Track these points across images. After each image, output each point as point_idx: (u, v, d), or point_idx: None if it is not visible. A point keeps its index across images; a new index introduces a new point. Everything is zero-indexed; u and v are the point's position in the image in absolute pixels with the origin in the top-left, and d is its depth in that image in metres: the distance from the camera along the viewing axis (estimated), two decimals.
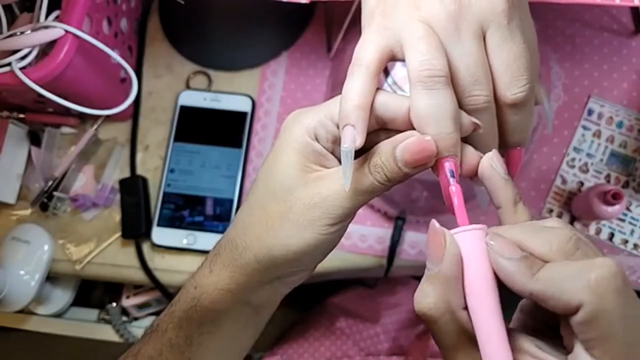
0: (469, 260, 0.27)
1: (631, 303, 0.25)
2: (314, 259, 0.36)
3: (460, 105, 0.31)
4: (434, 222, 0.28)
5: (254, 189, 0.36)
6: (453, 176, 0.30)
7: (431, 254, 0.28)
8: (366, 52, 0.32)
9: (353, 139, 0.30)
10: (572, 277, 0.25)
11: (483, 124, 0.31)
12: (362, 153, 0.33)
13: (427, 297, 0.27)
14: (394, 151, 0.30)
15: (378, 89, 0.32)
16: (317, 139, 0.34)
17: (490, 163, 0.31)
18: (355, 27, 0.59)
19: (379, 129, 0.33)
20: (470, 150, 0.32)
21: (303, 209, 0.33)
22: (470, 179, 0.33)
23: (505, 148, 0.34)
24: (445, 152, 0.30)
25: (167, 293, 0.67)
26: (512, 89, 0.31)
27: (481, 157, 0.32)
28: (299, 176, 0.33)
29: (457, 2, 0.30)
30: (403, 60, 0.32)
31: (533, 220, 0.31)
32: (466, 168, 0.32)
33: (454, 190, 0.30)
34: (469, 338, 0.27)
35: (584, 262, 0.26)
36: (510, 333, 0.27)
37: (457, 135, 0.30)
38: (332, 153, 0.34)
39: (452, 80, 0.31)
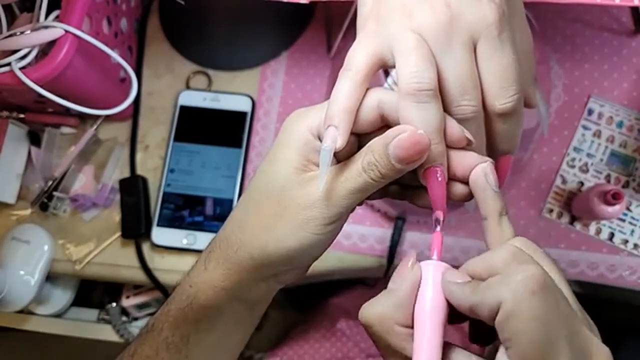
0: (425, 284, 0.30)
1: (551, 307, 0.26)
2: (308, 258, 0.36)
3: (449, 113, 0.32)
4: (412, 253, 0.32)
5: (251, 186, 0.36)
6: (438, 225, 0.33)
7: (396, 275, 0.31)
8: (357, 57, 0.32)
9: (334, 139, 0.31)
10: (497, 282, 0.27)
11: (470, 133, 0.32)
12: None
13: (373, 308, 0.31)
14: (387, 148, 0.31)
15: (376, 87, 0.33)
16: (319, 138, 0.34)
17: (484, 174, 0.32)
18: (355, 27, 0.59)
19: (384, 128, 0.33)
20: (465, 155, 0.32)
21: (298, 208, 0.33)
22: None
23: (494, 155, 0.35)
24: (432, 162, 0.31)
25: (167, 293, 0.66)
26: (500, 99, 0.32)
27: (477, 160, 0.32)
28: (295, 174, 0.33)
29: (449, 13, 0.31)
30: (394, 67, 0.32)
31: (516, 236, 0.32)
32: (461, 171, 0.32)
33: (435, 237, 0.33)
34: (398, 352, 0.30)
35: (510, 269, 0.28)
36: (450, 349, 0.30)
37: (442, 146, 0.31)
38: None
39: (441, 90, 0.31)
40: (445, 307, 0.30)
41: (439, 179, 0.32)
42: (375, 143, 0.31)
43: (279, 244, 0.33)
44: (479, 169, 0.32)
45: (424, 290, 0.30)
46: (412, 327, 0.30)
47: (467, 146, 0.32)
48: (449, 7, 0.31)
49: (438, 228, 0.32)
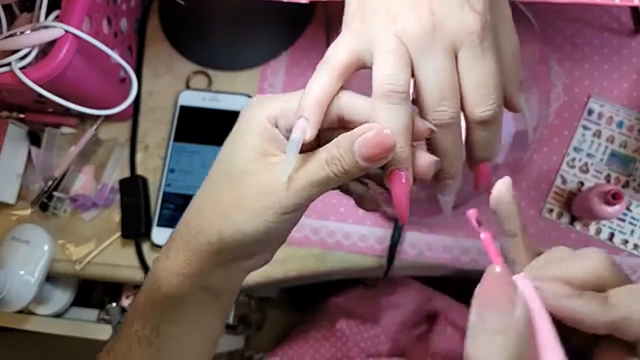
0: (533, 310, 0.25)
1: None
2: (266, 246, 0.37)
3: (426, 118, 0.32)
4: (495, 267, 0.25)
5: (212, 173, 0.36)
6: (481, 224, 0.30)
7: (493, 304, 0.24)
8: (336, 53, 0.33)
9: (304, 130, 0.31)
10: None
11: (448, 138, 0.33)
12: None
13: (499, 351, 0.24)
14: (352, 145, 0.31)
15: (345, 89, 0.33)
16: (277, 127, 0.34)
17: (507, 189, 0.30)
18: None
19: (339, 128, 0.33)
20: (423, 155, 0.33)
21: (255, 196, 0.33)
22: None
23: (473, 163, 0.36)
24: (397, 164, 0.32)
25: None
26: (480, 106, 0.32)
27: (433, 160, 0.33)
28: (256, 160, 0.34)
29: (432, 20, 0.32)
30: (371, 68, 0.33)
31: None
32: (421, 171, 0.33)
33: (484, 237, 0.29)
34: None
35: None
36: None
37: (408, 150, 0.32)
38: None
39: (419, 95, 0.32)
40: (552, 324, 0.25)
41: (403, 181, 0.32)
42: (342, 139, 0.31)
43: (235, 230, 0.33)
44: (501, 185, 0.30)
45: (536, 319, 0.25)
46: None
47: (430, 135, 0.33)
48: (433, 14, 0.32)
49: (481, 227, 0.29)
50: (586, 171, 0.62)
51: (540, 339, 0.24)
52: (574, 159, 0.63)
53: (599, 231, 0.61)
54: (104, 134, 0.70)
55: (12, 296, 0.63)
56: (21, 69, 0.53)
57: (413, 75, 0.32)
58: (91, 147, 0.69)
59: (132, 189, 0.67)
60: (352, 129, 0.32)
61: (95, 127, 0.69)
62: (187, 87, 0.70)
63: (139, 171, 0.68)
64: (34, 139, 0.69)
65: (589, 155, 0.63)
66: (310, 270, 0.63)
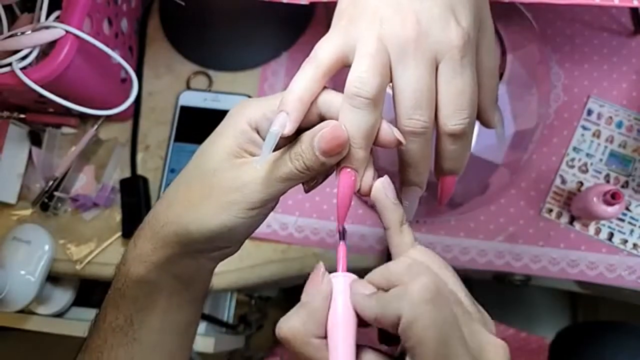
0: (336, 297, 0.32)
1: (445, 312, 0.29)
2: (233, 239, 0.37)
3: (399, 125, 0.33)
4: (321, 265, 0.33)
5: (186, 167, 0.37)
6: (343, 238, 0.35)
7: (308, 287, 0.33)
8: (322, 51, 0.33)
9: (283, 125, 0.32)
10: (396, 295, 0.29)
11: (417, 147, 0.33)
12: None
13: (288, 322, 0.31)
14: (313, 140, 0.32)
15: (326, 87, 0.34)
16: (257, 131, 0.35)
17: (382, 188, 0.34)
18: None
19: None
20: (369, 173, 0.34)
21: (223, 191, 0.34)
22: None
23: (440, 174, 0.36)
24: (348, 163, 0.33)
25: None
26: (452, 120, 0.33)
27: (372, 183, 0.34)
28: (227, 159, 0.34)
29: (418, 29, 0.32)
30: None
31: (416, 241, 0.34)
32: (363, 186, 0.34)
33: (340, 249, 0.35)
34: None
35: (407, 283, 0.29)
36: (363, 351, 0.32)
37: (363, 152, 0.33)
38: None
39: (395, 100, 0.33)
40: (354, 316, 0.32)
41: (349, 180, 0.33)
42: (305, 135, 0.33)
43: (201, 224, 0.34)
44: (377, 184, 0.34)
45: (335, 303, 0.32)
46: (326, 337, 0.31)
47: (399, 146, 0.33)
48: (419, 23, 0.32)
49: (342, 241, 0.34)
50: (585, 171, 0.63)
51: (331, 318, 0.32)
52: (573, 159, 0.63)
53: (598, 231, 0.61)
54: (104, 134, 0.70)
55: (13, 296, 0.63)
56: (22, 69, 0.53)
57: (392, 80, 0.33)
58: (92, 147, 0.69)
59: (133, 189, 0.67)
60: None
61: (95, 127, 0.69)
62: (188, 87, 0.70)
63: (140, 171, 0.69)
64: (35, 139, 0.69)
65: (588, 155, 0.63)
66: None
